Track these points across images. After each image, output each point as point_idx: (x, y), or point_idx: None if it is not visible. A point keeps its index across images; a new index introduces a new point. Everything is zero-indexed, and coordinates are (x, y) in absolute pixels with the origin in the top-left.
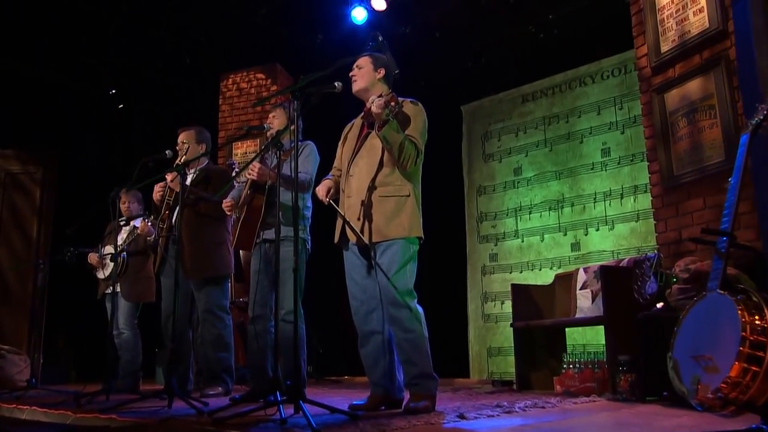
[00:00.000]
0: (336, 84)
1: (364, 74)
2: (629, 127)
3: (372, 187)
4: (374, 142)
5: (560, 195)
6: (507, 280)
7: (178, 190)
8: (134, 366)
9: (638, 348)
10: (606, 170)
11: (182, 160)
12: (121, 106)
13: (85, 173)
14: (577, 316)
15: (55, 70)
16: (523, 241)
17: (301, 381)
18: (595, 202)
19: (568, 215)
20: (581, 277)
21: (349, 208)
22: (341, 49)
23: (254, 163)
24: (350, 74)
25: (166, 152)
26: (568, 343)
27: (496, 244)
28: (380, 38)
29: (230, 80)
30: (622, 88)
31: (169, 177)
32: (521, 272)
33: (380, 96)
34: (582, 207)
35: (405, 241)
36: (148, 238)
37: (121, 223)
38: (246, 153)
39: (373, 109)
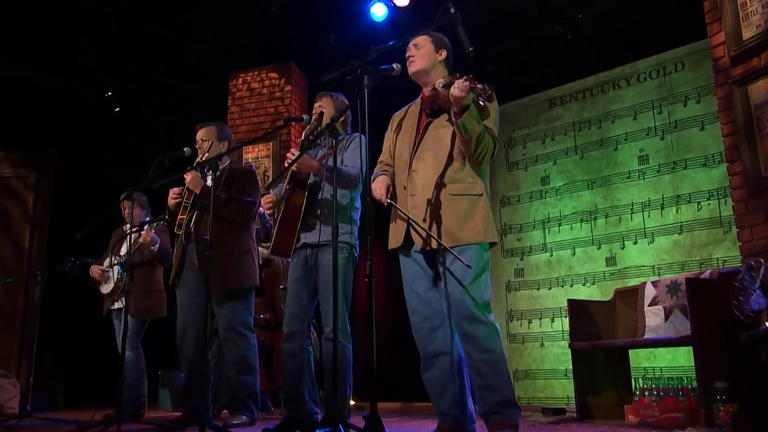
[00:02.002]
0: (394, 65)
1: (424, 54)
2: (669, 133)
3: (441, 185)
4: (440, 133)
5: (593, 205)
6: (534, 298)
7: (197, 192)
8: (137, 390)
9: (739, 373)
10: (644, 179)
11: (204, 158)
12: (118, 109)
13: (83, 179)
14: (647, 336)
15: (51, 71)
16: (551, 255)
17: (346, 410)
18: (632, 213)
19: (602, 227)
20: (649, 292)
21: (414, 209)
22: (360, 48)
23: (293, 150)
24: (407, 54)
25: (184, 149)
26: (632, 366)
27: (521, 259)
28: (452, 10)
29: (240, 80)
30: (661, 91)
31: (188, 177)
32: (550, 289)
33: (456, 78)
34: (618, 218)
35: (479, 247)
36: (152, 248)
37: (132, 230)
38: (258, 158)
39: (455, 92)
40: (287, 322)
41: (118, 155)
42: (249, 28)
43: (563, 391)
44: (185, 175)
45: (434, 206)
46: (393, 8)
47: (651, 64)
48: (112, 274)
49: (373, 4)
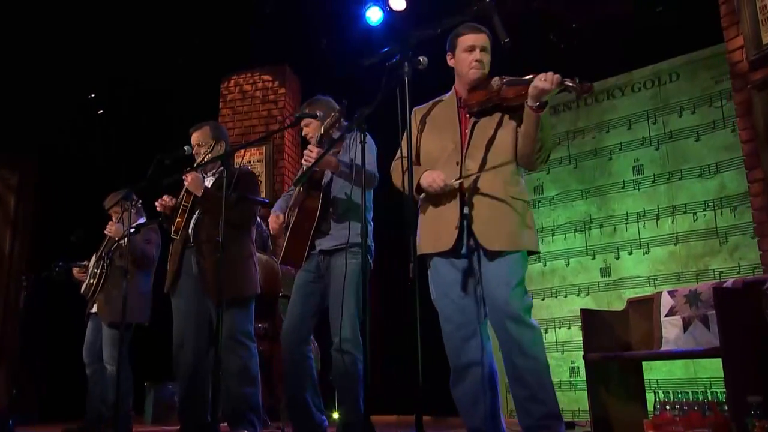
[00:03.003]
0: (421, 59)
1: (489, 59)
2: (665, 143)
3: (501, 186)
4: (491, 133)
5: (587, 215)
6: None
7: (198, 194)
8: (121, 409)
9: None
10: (639, 189)
11: (206, 159)
12: (101, 111)
13: (66, 182)
14: (665, 347)
15: (34, 70)
16: (545, 266)
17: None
18: (627, 224)
19: (597, 237)
20: (666, 302)
21: (471, 210)
22: (354, 53)
23: (312, 146)
24: (475, 59)
25: (185, 148)
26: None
27: None
28: None
29: (232, 82)
30: (656, 101)
31: (188, 178)
32: (543, 299)
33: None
34: (612, 228)
35: (523, 254)
36: (120, 242)
37: (131, 231)
38: (250, 162)
39: (544, 85)
40: (287, 327)
41: (102, 158)
42: (241, 29)
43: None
44: (185, 177)
45: (495, 208)
46: (389, 12)
47: (646, 74)
48: (89, 272)
49: (368, 8)
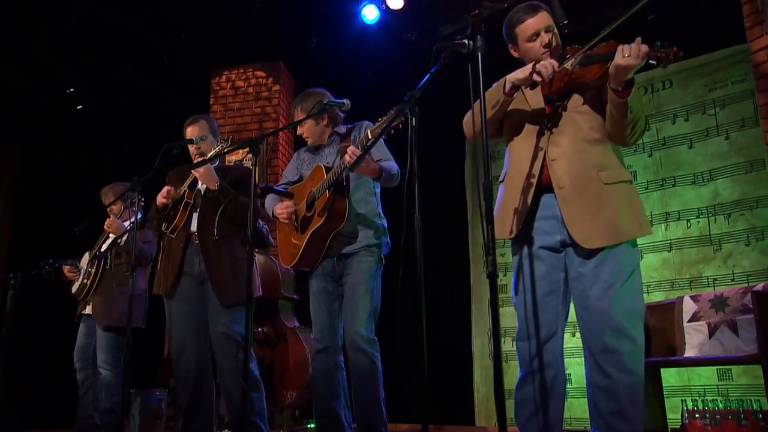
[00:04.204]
0: (465, 41)
1: (557, 36)
2: (658, 150)
3: (592, 173)
4: (573, 117)
5: None
6: None
7: (213, 188)
8: (116, 415)
9: None
10: None
11: (211, 154)
12: (80, 106)
13: (48, 178)
14: (689, 353)
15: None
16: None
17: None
18: None
19: None
20: (689, 307)
21: (565, 204)
22: (349, 52)
23: (351, 147)
24: (543, 45)
25: (193, 138)
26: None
27: (505, 275)
28: None
29: (224, 77)
30: (649, 108)
31: (200, 170)
32: None
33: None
34: None
35: (629, 245)
36: (118, 240)
37: (133, 226)
38: (242, 161)
39: (629, 61)
40: (318, 336)
41: (85, 154)
42: (232, 24)
43: None
44: (195, 170)
45: (590, 198)
46: (385, 11)
47: (639, 81)
48: (83, 271)
49: (364, 6)
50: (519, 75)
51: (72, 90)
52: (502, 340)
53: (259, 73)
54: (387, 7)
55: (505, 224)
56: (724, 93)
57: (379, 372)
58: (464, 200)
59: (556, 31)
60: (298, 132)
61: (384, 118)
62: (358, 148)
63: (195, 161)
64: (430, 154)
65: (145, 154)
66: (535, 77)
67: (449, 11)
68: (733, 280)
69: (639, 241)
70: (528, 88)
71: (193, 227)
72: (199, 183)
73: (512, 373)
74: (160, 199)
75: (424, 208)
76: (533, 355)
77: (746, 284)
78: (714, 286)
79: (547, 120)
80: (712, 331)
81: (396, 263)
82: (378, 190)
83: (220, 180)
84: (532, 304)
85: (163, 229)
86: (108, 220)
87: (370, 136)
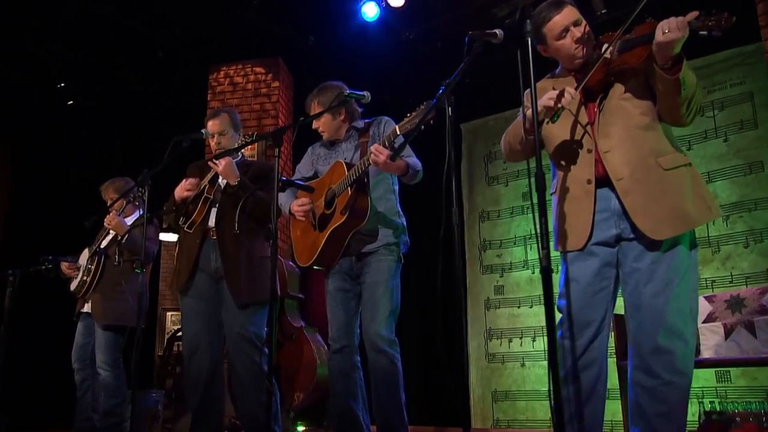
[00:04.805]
0: (497, 32)
1: (588, 27)
2: None
3: (650, 160)
4: (620, 104)
5: None
6: (515, 316)
7: (234, 183)
8: (117, 417)
9: None
10: None
11: (235, 145)
12: (71, 102)
13: (44, 173)
14: (705, 354)
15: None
16: (534, 273)
17: None
18: None
19: None
20: (704, 307)
21: (627, 195)
22: (349, 50)
23: (376, 145)
24: (574, 40)
25: (202, 131)
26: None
27: (501, 276)
28: None
29: (221, 73)
30: None
31: (221, 164)
32: (531, 307)
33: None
34: None
35: (688, 241)
36: (119, 238)
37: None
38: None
39: (669, 38)
40: (335, 335)
41: (80, 150)
42: (230, 20)
43: (545, 412)
44: (215, 163)
45: (652, 186)
46: (385, 8)
47: None
48: (83, 268)
49: (364, 3)
50: (540, 108)
51: (62, 85)
52: (498, 341)
53: (258, 69)
54: (387, 4)
55: (572, 236)
56: (722, 95)
57: (399, 373)
58: (460, 200)
59: (585, 22)
60: (314, 126)
61: (413, 113)
62: (384, 145)
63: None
64: (426, 153)
65: (140, 150)
66: (551, 104)
67: (450, 10)
68: (731, 282)
69: None
70: (549, 121)
71: (211, 223)
72: (220, 178)
73: (507, 375)
74: (183, 191)
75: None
76: (578, 353)
77: (745, 287)
78: (713, 288)
79: (592, 114)
80: (728, 332)
81: (413, 262)
82: (397, 188)
83: (241, 175)
84: (582, 301)
85: (180, 223)
86: (108, 216)
87: (398, 132)
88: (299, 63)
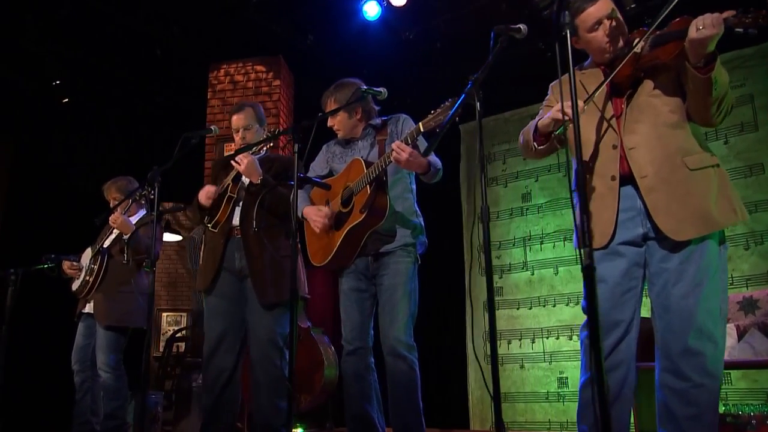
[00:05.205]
0: (521, 27)
1: (621, 20)
2: None
3: (676, 159)
4: (649, 101)
5: None
6: (514, 317)
7: (257, 181)
8: (118, 420)
9: None
10: None
11: (256, 140)
12: (66, 100)
13: (42, 171)
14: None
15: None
16: (533, 274)
17: None
18: None
19: None
20: None
21: (651, 193)
22: (350, 49)
23: (399, 142)
24: (605, 33)
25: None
26: None
27: (500, 277)
28: None
29: (222, 71)
30: None
31: (243, 162)
32: (531, 308)
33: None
34: None
35: (719, 239)
36: (124, 237)
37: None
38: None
39: (704, 34)
40: (349, 337)
41: (79, 148)
42: (231, 18)
43: (544, 414)
44: (236, 161)
45: (676, 185)
46: (387, 7)
47: None
48: (85, 267)
49: (365, 2)
50: (546, 121)
51: (57, 82)
52: (497, 343)
53: (259, 68)
54: (389, 3)
55: (596, 234)
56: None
57: (418, 379)
58: (459, 201)
59: (619, 15)
60: (329, 124)
61: (437, 110)
62: (405, 143)
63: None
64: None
65: (140, 148)
66: (559, 116)
67: (451, 10)
68: (732, 284)
69: None
70: (555, 133)
71: (236, 221)
72: (243, 176)
73: (506, 376)
74: (206, 200)
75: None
76: (605, 355)
77: (746, 289)
78: None
79: (619, 110)
80: (741, 334)
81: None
82: (414, 187)
83: (264, 173)
84: (609, 302)
85: (205, 222)
86: (113, 215)
87: (422, 129)
88: (299, 62)
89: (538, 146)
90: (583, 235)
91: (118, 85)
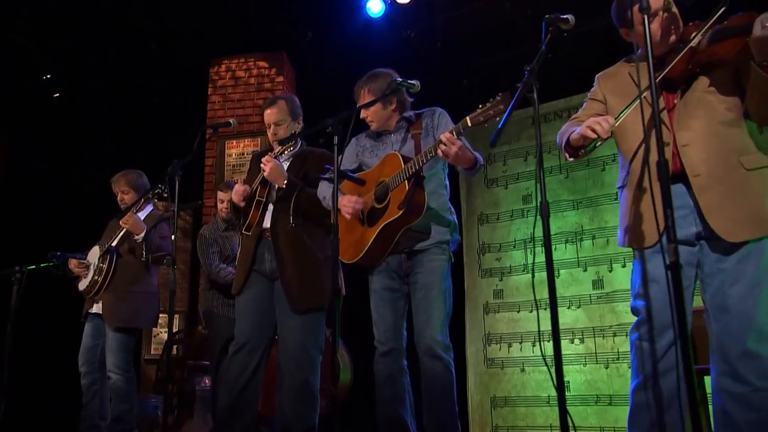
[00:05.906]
0: (569, 17)
1: (678, 14)
2: None
3: (731, 158)
4: (704, 97)
5: (579, 226)
6: (514, 320)
7: (282, 185)
8: (126, 424)
9: None
10: None
11: (286, 139)
12: (57, 94)
13: (39, 166)
14: None
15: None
16: (534, 277)
17: None
18: None
19: (589, 249)
20: None
21: (702, 193)
22: (353, 47)
23: (447, 134)
24: (660, 26)
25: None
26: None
27: (501, 279)
28: None
29: (223, 66)
30: None
31: (267, 167)
32: (531, 311)
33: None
34: (605, 240)
35: None
36: (135, 237)
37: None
38: (243, 153)
39: (764, 32)
40: (382, 337)
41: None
42: (232, 14)
43: (545, 419)
44: (263, 165)
45: (731, 185)
46: (391, 5)
47: None
48: (93, 267)
49: None
50: (576, 136)
51: (48, 77)
52: (497, 346)
53: (261, 64)
54: (393, 0)
55: (645, 233)
56: None
57: (453, 380)
58: (458, 202)
59: (674, 9)
60: (362, 115)
61: (487, 104)
62: (455, 136)
63: (273, 148)
64: None
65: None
66: (590, 134)
67: (455, 8)
68: None
69: None
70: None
71: (266, 224)
72: None
73: (507, 380)
74: (238, 199)
75: None
76: (658, 357)
77: None
78: None
79: (670, 104)
80: None
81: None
82: (448, 182)
83: (297, 169)
84: (662, 302)
85: (240, 225)
86: (125, 218)
87: (469, 124)
88: (301, 58)
89: (569, 158)
90: (668, 233)
91: (119, 78)
